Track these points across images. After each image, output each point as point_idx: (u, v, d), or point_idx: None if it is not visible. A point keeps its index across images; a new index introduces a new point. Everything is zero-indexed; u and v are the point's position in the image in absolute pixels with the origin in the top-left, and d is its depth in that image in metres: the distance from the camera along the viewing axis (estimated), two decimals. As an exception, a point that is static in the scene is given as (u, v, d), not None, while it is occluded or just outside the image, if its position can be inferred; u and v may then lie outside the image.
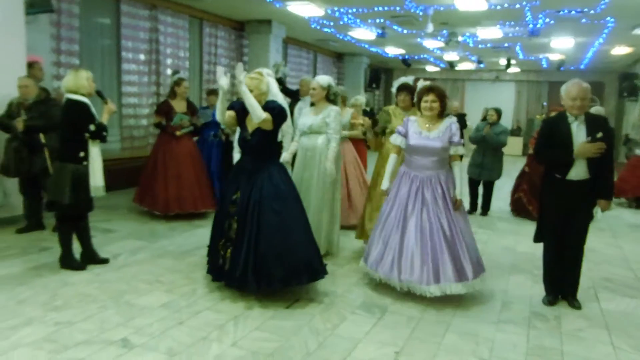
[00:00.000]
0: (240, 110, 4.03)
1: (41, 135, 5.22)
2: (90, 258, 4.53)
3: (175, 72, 6.81)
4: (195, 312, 3.65)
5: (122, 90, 8.05)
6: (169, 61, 8.71)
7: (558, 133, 3.92)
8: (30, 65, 5.85)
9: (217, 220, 4.14)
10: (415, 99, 4.41)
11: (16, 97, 5.28)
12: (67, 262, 4.40)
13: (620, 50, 11.48)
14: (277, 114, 3.93)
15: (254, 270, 3.75)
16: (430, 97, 4.09)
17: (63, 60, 6.78)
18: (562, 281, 4.12)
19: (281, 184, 3.97)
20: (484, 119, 7.66)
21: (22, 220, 5.60)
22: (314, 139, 4.83)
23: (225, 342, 3.24)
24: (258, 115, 3.80)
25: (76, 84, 4.23)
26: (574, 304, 4.04)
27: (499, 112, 7.33)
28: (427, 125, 4.12)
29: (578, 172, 3.86)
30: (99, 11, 7.64)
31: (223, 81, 3.89)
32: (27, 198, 5.56)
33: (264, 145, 3.99)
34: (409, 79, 5.07)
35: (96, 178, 4.23)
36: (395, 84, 5.13)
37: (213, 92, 7.08)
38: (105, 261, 4.59)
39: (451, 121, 4.14)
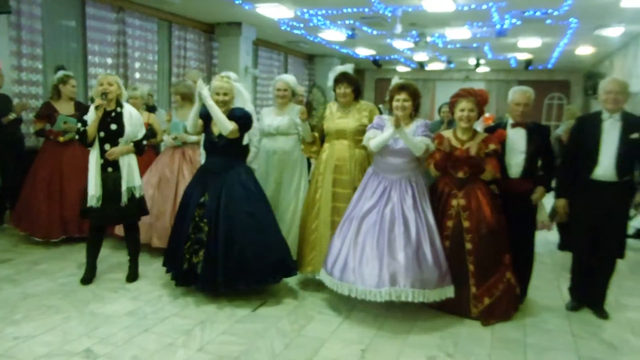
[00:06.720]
0: (204, 115, 4.06)
1: None
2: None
3: (59, 68, 5.78)
4: (161, 319, 3.60)
5: (89, 95, 7.88)
6: (137, 65, 8.55)
7: (587, 132, 3.79)
8: (-11, 70, 5.69)
9: (178, 224, 4.09)
10: (387, 97, 4.04)
11: None
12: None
13: (585, 50, 11.71)
14: (243, 123, 4.01)
15: (233, 272, 3.77)
16: (403, 95, 3.85)
17: (25, 65, 6.59)
18: (589, 290, 3.93)
19: (251, 185, 4.03)
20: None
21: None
22: (282, 141, 4.68)
23: (191, 347, 3.21)
24: (226, 128, 3.88)
25: None
26: (602, 314, 3.87)
27: None
28: None
29: (605, 171, 3.66)
30: (63, 13, 7.45)
31: (205, 92, 3.92)
32: None
33: (231, 146, 4.02)
34: (347, 68, 4.26)
35: (89, 186, 4.07)
36: (332, 74, 4.28)
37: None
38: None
39: (422, 121, 3.95)
